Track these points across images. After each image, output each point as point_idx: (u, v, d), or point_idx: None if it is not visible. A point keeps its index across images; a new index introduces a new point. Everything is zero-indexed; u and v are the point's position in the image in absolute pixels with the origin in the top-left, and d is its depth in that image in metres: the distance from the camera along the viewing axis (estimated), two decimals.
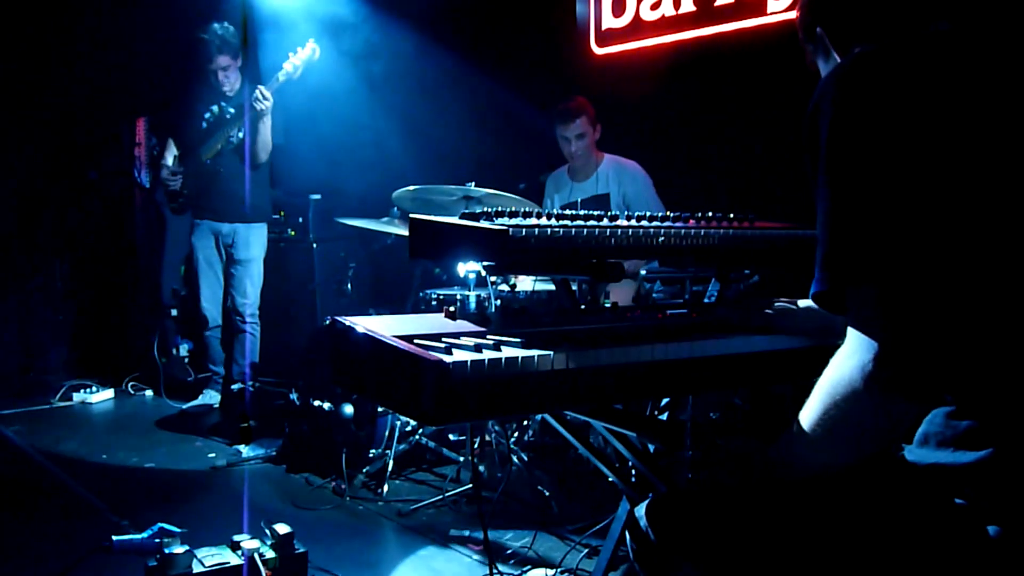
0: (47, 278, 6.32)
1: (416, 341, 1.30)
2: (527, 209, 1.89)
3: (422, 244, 1.65)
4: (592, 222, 1.64)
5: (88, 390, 5.34)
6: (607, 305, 1.79)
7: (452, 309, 1.54)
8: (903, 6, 1.33)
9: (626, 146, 4.22)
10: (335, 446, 3.58)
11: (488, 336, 1.39)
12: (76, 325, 6.39)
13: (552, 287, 3.52)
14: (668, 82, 4.37)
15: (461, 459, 3.63)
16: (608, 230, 1.59)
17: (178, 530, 2.28)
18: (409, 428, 3.68)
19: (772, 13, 3.97)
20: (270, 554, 2.29)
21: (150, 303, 6.05)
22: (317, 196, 5.41)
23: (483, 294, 3.66)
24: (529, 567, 2.71)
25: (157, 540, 2.23)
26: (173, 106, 5.21)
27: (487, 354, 1.25)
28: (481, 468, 3.54)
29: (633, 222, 1.70)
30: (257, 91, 4.50)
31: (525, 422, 3.54)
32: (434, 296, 3.85)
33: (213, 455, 4.05)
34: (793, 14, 1.53)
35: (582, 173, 4.19)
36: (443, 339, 1.33)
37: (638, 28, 4.54)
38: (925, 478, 1.18)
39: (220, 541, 2.33)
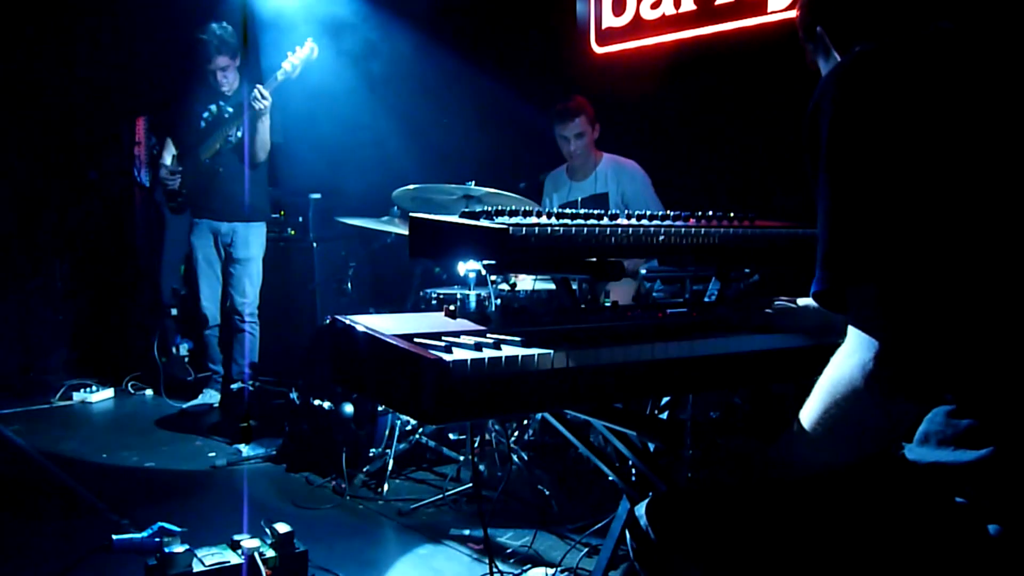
0: (47, 278, 6.33)
1: (416, 340, 1.30)
2: (527, 208, 1.89)
3: (422, 243, 1.64)
4: (592, 221, 1.63)
5: (88, 389, 5.33)
6: (607, 304, 1.79)
7: (452, 308, 1.54)
8: (903, 5, 1.33)
9: (626, 145, 4.22)
10: (335, 445, 3.58)
11: (488, 335, 1.39)
12: (76, 325, 6.40)
13: (552, 286, 3.52)
14: (668, 81, 4.36)
15: (461, 458, 3.64)
16: (608, 229, 1.59)
17: (178, 529, 2.28)
18: (409, 427, 3.68)
19: (772, 12, 3.97)
20: (270, 553, 2.29)
21: (150, 302, 6.05)
22: (317, 195, 5.40)
23: (483, 293, 3.66)
24: (529, 566, 2.70)
25: (157, 539, 2.23)
26: (172, 106, 5.21)
27: (487, 353, 1.25)
28: (481, 467, 3.53)
29: (633, 221, 1.69)
30: (255, 90, 4.50)
31: (525, 421, 3.53)
32: (434, 295, 3.85)
33: (213, 454, 4.05)
34: (793, 13, 1.53)
35: (581, 172, 4.19)
36: (443, 338, 1.33)
37: (638, 27, 4.54)
38: (926, 477, 1.18)
39: (220, 540, 2.33)
